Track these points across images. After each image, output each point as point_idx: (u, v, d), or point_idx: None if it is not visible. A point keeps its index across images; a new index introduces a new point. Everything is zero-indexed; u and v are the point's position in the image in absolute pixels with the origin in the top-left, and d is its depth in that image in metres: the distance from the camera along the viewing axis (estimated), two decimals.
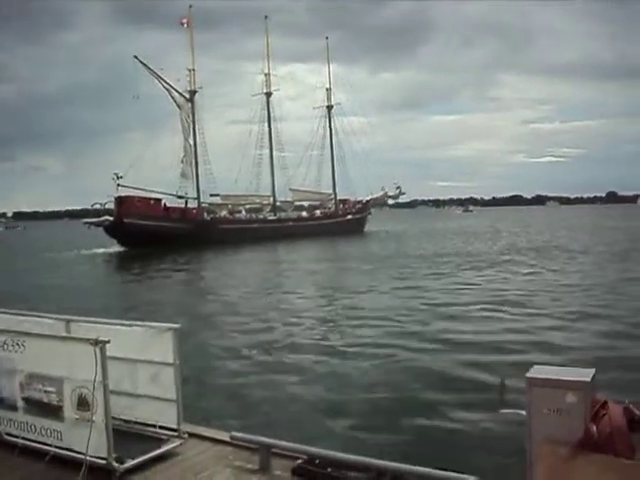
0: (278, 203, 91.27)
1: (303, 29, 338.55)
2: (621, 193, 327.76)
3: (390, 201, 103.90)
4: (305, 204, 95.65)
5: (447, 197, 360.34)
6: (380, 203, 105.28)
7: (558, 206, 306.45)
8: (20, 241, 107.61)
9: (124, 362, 7.33)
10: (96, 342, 6.30)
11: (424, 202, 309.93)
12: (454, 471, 6.02)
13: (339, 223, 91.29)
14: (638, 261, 38.59)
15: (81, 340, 6.64)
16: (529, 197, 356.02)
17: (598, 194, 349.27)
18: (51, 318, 8.21)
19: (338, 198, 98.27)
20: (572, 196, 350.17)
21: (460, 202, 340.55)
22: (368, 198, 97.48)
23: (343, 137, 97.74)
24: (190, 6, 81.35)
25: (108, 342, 6.36)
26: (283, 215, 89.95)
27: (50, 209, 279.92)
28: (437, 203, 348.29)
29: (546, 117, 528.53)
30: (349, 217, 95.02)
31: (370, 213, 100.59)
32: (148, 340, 7.43)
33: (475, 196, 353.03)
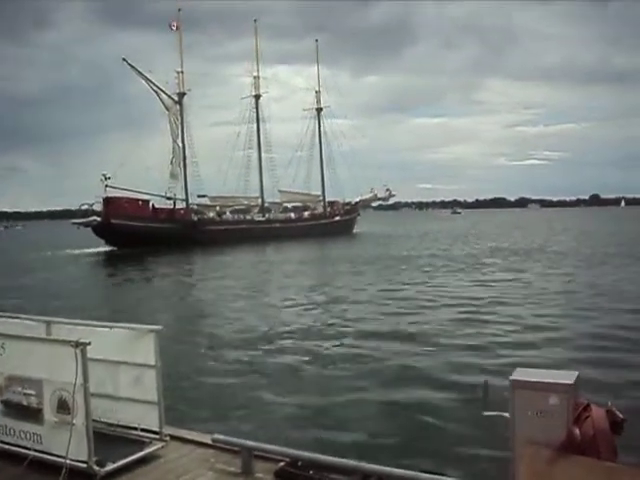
0: (266, 204, 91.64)
1: (286, 31, 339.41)
2: (604, 196, 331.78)
3: (376, 203, 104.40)
4: (293, 205, 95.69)
5: (430, 199, 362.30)
6: (369, 205, 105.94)
7: (539, 209, 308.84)
8: (20, 240, 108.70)
9: (105, 364, 7.26)
10: (77, 344, 6.22)
11: (407, 204, 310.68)
12: (438, 474, 6.02)
13: (327, 224, 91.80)
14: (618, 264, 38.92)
15: (62, 342, 6.55)
16: (512, 200, 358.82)
17: (581, 197, 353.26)
18: (32, 319, 8.11)
19: (327, 200, 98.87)
20: (555, 199, 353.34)
21: (443, 204, 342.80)
22: (357, 200, 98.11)
23: (332, 139, 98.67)
24: (179, 9, 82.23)
25: (89, 344, 6.28)
26: (271, 216, 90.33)
27: (32, 209, 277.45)
28: (420, 205, 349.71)
29: (530, 120, 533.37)
30: (337, 218, 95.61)
31: (359, 214, 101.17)
32: (130, 342, 7.36)
33: (458, 198, 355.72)
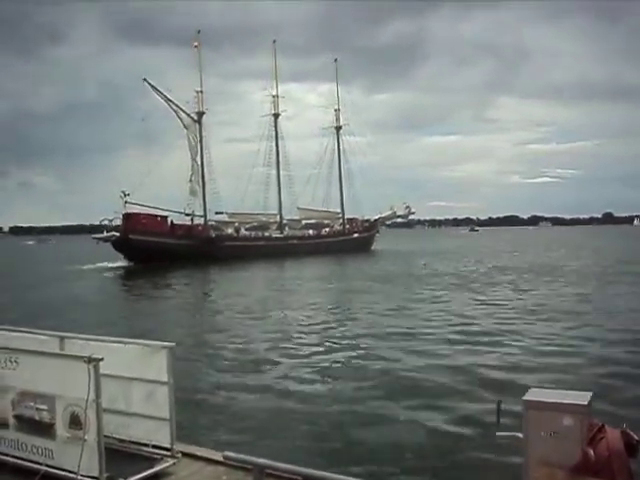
0: (285, 221, 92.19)
1: (297, 49, 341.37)
2: (617, 214, 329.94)
3: (390, 221, 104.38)
4: (312, 222, 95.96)
5: (443, 217, 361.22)
6: (388, 222, 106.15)
7: (550, 227, 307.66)
8: (51, 253, 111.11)
9: (118, 380, 7.26)
10: (90, 360, 6.24)
11: (420, 222, 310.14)
12: None
13: (345, 241, 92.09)
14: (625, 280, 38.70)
15: (75, 357, 6.57)
16: (525, 217, 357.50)
17: (594, 215, 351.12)
18: (45, 334, 8.15)
19: (346, 217, 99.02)
20: (568, 217, 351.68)
21: (456, 222, 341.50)
22: (376, 217, 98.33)
23: (350, 156, 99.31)
24: (199, 31, 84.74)
25: (102, 360, 6.30)
26: (289, 233, 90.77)
27: (45, 224, 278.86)
28: (433, 223, 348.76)
29: (543, 138, 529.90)
30: (355, 235, 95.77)
31: (378, 232, 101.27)
32: (142, 358, 7.37)
33: (471, 216, 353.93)
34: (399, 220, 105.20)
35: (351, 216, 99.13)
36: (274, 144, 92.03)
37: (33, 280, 49.86)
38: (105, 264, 66.10)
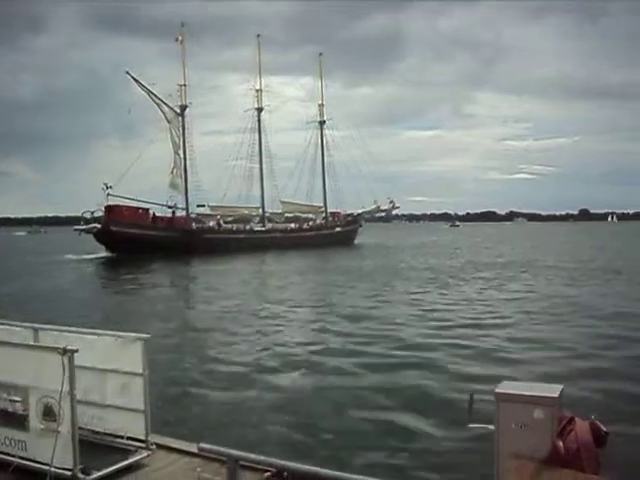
0: (267, 214, 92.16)
1: (277, 42, 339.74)
2: (593, 211, 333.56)
3: (374, 215, 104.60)
4: (294, 216, 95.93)
5: (420, 212, 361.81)
6: (379, 217, 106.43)
7: (525, 222, 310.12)
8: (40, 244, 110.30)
9: (93, 372, 7.25)
10: (64, 351, 6.20)
11: (397, 216, 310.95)
12: None
13: (327, 235, 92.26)
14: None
15: (49, 349, 6.53)
16: (502, 213, 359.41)
17: (570, 211, 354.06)
18: (19, 326, 8.08)
19: (329, 211, 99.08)
20: (545, 213, 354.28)
21: (434, 217, 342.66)
22: (360, 211, 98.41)
23: (332, 151, 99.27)
24: (182, 24, 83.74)
25: (76, 351, 6.27)
26: (271, 226, 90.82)
27: (20, 215, 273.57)
28: (410, 218, 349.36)
29: (520, 135, 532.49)
30: (338, 229, 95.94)
31: (361, 226, 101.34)
32: (117, 350, 7.35)
33: (449, 211, 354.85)
34: (376, 215, 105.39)
35: (334, 210, 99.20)
36: (257, 137, 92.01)
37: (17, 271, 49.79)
38: (76, 256, 66.29)
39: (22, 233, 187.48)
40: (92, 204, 73.51)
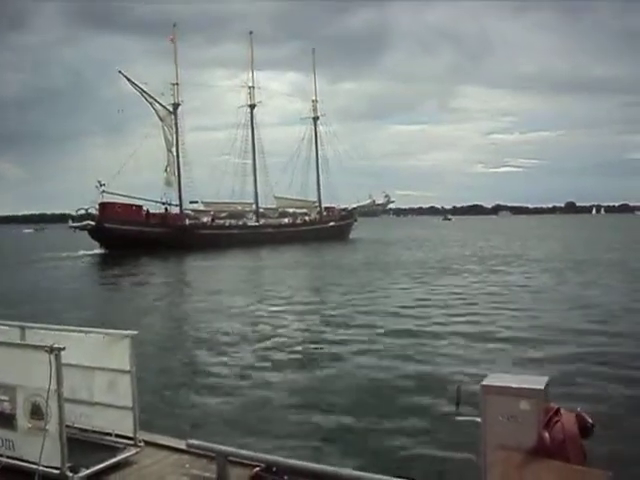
0: (261, 210, 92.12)
1: (263, 37, 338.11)
2: (579, 203, 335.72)
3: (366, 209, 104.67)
4: (288, 211, 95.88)
5: (407, 206, 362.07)
6: (368, 211, 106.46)
7: (510, 216, 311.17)
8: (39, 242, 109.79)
9: (80, 369, 7.23)
10: (51, 349, 6.17)
11: (385, 211, 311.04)
12: (412, 479, 6.06)
13: (321, 230, 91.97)
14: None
15: (36, 347, 6.50)
16: (489, 207, 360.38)
17: (557, 204, 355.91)
18: (6, 324, 8.04)
19: (324, 205, 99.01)
20: (531, 206, 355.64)
21: (421, 211, 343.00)
22: (354, 206, 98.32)
23: (327, 146, 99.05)
24: (174, 25, 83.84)
25: (64, 349, 6.24)
26: (264, 221, 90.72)
27: (3, 214, 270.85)
28: (398, 212, 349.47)
29: (506, 128, 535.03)
30: (332, 224, 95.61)
31: (356, 220, 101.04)
32: (105, 347, 7.34)
33: (436, 205, 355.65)
34: (365, 209, 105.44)
35: (328, 205, 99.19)
36: (249, 133, 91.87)
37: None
38: (82, 252, 67.36)
39: (30, 230, 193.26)
40: (85, 201, 74.05)
